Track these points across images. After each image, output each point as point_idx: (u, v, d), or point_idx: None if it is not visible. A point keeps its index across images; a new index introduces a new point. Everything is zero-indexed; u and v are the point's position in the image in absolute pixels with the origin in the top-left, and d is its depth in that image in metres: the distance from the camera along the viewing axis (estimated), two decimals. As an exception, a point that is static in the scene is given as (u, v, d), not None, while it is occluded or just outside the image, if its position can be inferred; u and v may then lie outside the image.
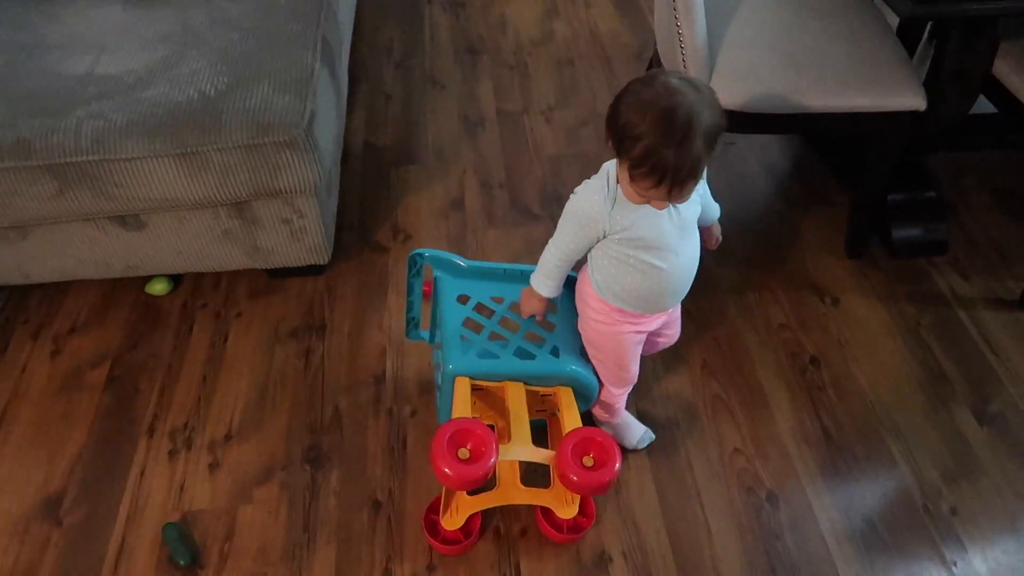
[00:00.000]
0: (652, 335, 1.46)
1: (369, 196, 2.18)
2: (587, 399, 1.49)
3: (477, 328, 1.46)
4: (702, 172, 1.15)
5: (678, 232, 1.27)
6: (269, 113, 1.58)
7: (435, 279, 1.53)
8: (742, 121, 1.72)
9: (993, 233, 2.06)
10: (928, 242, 2.00)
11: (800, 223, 2.10)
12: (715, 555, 1.44)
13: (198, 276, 1.95)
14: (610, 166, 1.24)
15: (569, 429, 1.36)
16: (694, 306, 1.87)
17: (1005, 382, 1.73)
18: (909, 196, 2.02)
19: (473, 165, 2.28)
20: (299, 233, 1.78)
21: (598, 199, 1.22)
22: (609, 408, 1.55)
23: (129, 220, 1.70)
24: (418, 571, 1.42)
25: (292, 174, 1.62)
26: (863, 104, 1.70)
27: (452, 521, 1.40)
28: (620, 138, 1.13)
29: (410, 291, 1.58)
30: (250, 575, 1.42)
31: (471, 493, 1.42)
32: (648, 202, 1.19)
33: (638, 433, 1.59)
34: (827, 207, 2.14)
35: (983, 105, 1.97)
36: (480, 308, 1.49)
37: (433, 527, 1.43)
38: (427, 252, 1.52)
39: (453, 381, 1.40)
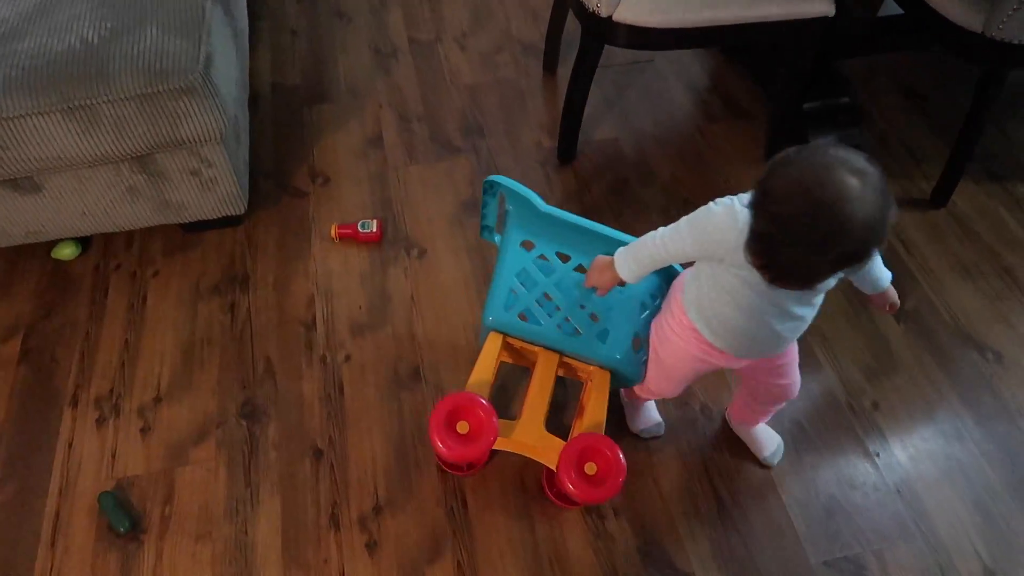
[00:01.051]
0: (766, 379, 1.33)
1: (283, 139, 2.09)
2: (627, 383, 1.42)
3: (531, 283, 1.34)
4: (816, 283, 1.01)
5: (797, 296, 1.11)
6: (161, 59, 1.48)
7: (506, 213, 1.38)
8: (657, 38, 1.69)
9: (904, 134, 2.11)
10: (844, 148, 2.04)
11: (721, 138, 2.11)
12: (655, 470, 1.48)
13: (108, 237, 1.86)
14: None
15: (589, 422, 1.30)
16: (623, 229, 1.87)
17: (919, 279, 1.80)
18: (824, 103, 2.04)
19: (388, 99, 2.20)
20: (210, 184, 1.70)
21: (732, 228, 1.03)
22: (632, 394, 1.48)
23: (22, 183, 1.59)
24: (365, 513, 1.43)
25: (193, 122, 1.53)
26: (774, 13, 1.69)
27: None
28: (756, 201, 0.96)
29: (484, 204, 1.45)
30: (194, 535, 1.40)
31: None
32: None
33: (648, 422, 1.52)
34: (746, 121, 2.15)
35: (891, 7, 1.99)
36: (542, 260, 1.36)
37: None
38: (504, 181, 1.34)
39: (487, 331, 1.35)
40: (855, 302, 1.75)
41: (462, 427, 1.26)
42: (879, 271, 1.23)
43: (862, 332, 1.70)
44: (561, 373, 1.43)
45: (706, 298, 1.16)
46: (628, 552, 1.38)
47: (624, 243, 1.23)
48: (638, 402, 1.50)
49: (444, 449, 1.24)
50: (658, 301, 1.34)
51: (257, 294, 1.75)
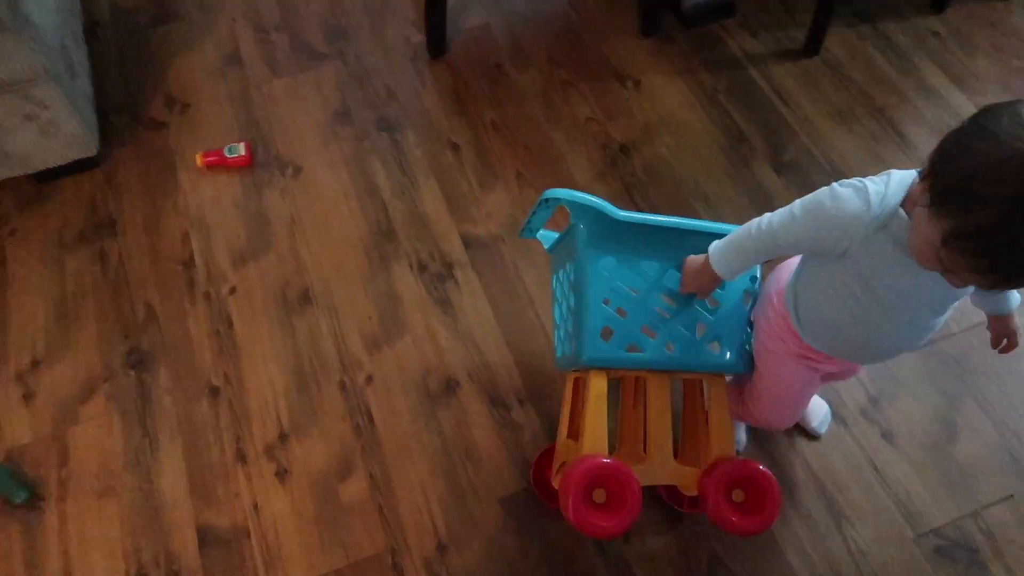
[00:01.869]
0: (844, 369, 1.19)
1: (131, 68, 1.93)
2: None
3: (621, 304, 1.14)
4: None
5: (926, 301, 0.96)
6: (-45, -8, 1.32)
7: (570, 231, 1.16)
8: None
9: (776, -15, 2.08)
10: (715, 6, 2.00)
11: (594, 12, 2.04)
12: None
13: (-48, 199, 1.72)
14: (900, 180, 0.90)
15: (720, 442, 1.17)
16: (501, 119, 1.82)
17: (796, 128, 1.81)
18: (692, -39, 1.99)
19: (241, 10, 2.05)
20: (49, 127, 1.57)
21: (864, 212, 0.88)
22: (735, 413, 1.29)
23: None
24: (271, 443, 1.41)
25: (7, 62, 1.39)
26: None
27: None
28: (948, 187, 0.79)
29: (534, 212, 1.24)
30: (96, 493, 1.37)
31: None
32: (940, 271, 0.85)
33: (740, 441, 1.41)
34: (617, -12, 2.08)
35: None
36: (627, 275, 1.15)
37: (541, 480, 1.33)
38: (568, 196, 1.10)
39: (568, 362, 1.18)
40: (735, 159, 1.76)
41: (599, 496, 1.07)
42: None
43: (744, 188, 1.72)
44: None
45: (813, 299, 1.02)
46: (535, 436, 1.41)
47: (715, 235, 1.08)
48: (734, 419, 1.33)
49: (587, 524, 1.05)
50: (756, 284, 1.20)
51: (127, 238, 1.66)
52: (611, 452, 1.23)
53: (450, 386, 1.46)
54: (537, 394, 1.45)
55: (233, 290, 1.58)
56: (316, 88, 1.89)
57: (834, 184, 0.91)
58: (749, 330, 1.20)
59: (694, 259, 1.11)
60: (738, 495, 1.12)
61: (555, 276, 1.28)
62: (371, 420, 1.43)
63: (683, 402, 1.28)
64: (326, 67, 1.93)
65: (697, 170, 1.75)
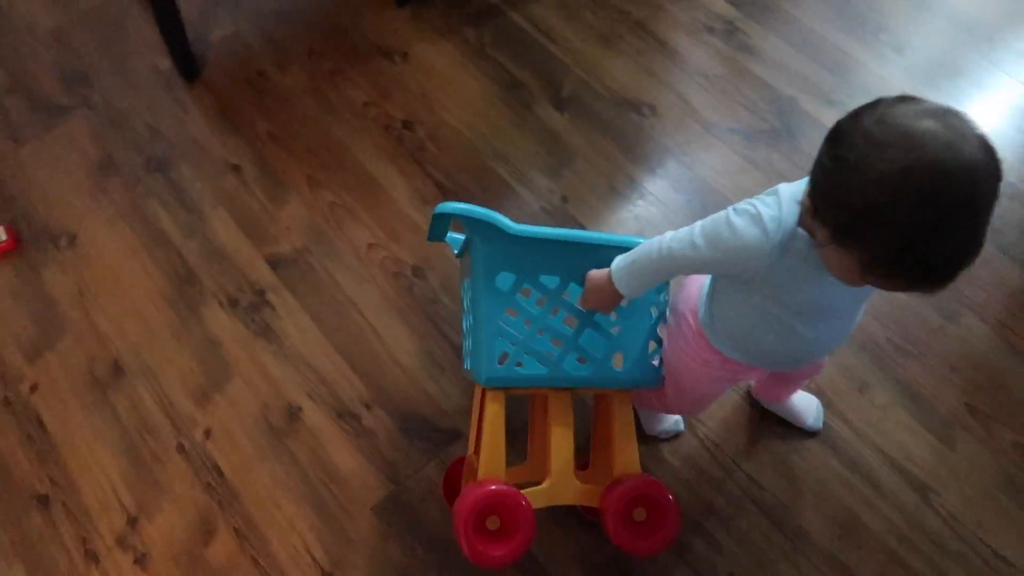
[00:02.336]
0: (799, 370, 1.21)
1: None
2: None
3: (520, 321, 1.11)
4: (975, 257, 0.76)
5: (846, 303, 0.96)
6: None
7: (469, 244, 1.12)
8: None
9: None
10: (460, -41, 1.98)
11: (342, -9, 1.98)
12: (392, 350, 1.47)
13: None
14: (790, 198, 0.86)
15: (623, 459, 1.15)
16: (276, 127, 1.75)
17: (569, 63, 1.84)
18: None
19: (-40, 82, 1.85)
20: None
21: (765, 244, 0.85)
22: (649, 404, 1.32)
23: None
24: (121, 533, 1.32)
25: None
26: None
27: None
28: (844, 228, 0.76)
29: (433, 226, 1.18)
30: (-61, 648, 1.24)
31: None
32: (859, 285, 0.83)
33: (666, 422, 1.38)
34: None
35: None
36: (527, 291, 1.11)
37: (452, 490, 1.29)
38: (456, 209, 1.06)
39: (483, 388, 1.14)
40: (516, 107, 1.77)
41: (492, 523, 1.06)
42: None
43: (532, 134, 1.73)
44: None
45: (733, 324, 1.00)
46: (390, 436, 1.39)
47: (619, 248, 1.04)
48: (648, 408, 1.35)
49: (482, 557, 1.04)
50: (664, 295, 1.17)
51: None
52: (521, 465, 1.24)
53: (292, 413, 1.41)
54: (383, 394, 1.43)
55: (35, 387, 1.45)
56: (69, 145, 1.75)
57: (730, 212, 0.88)
58: (656, 344, 1.18)
59: (596, 275, 1.06)
60: (639, 514, 1.11)
61: (462, 284, 1.24)
62: (221, 473, 1.36)
63: (594, 417, 1.26)
64: (74, 119, 1.78)
65: (483, 127, 1.74)
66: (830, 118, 1.72)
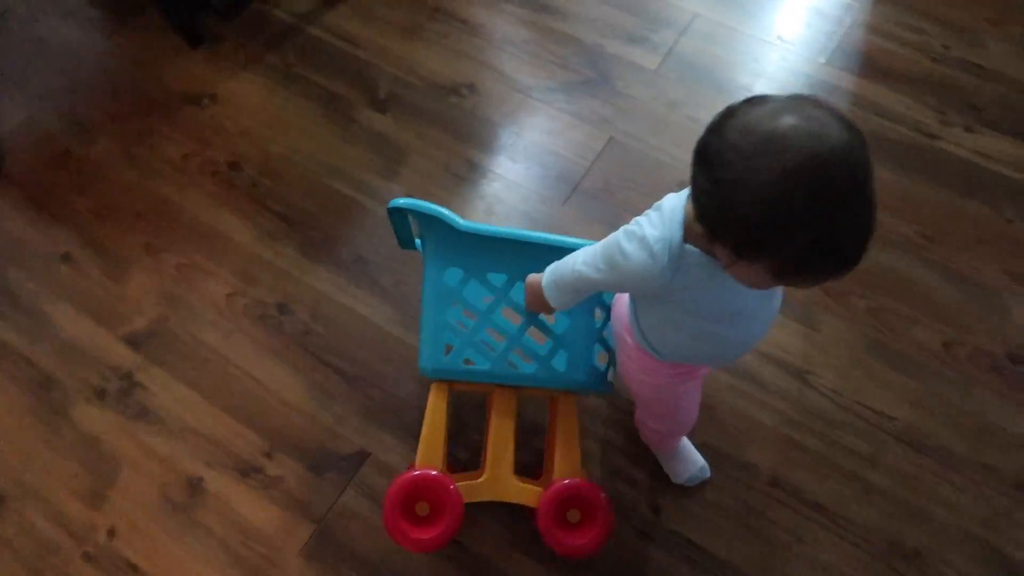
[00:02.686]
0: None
1: None
2: (598, 393, 1.29)
3: (466, 317, 1.15)
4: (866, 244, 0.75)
5: (758, 300, 0.94)
6: None
7: (420, 241, 1.14)
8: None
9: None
10: (243, -13, 1.93)
11: (133, 50, 1.89)
12: (277, 393, 1.45)
13: None
14: (673, 213, 0.86)
15: (564, 465, 1.16)
16: (98, 203, 1.67)
17: (379, 63, 1.83)
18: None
19: None
20: None
21: (652, 268, 0.86)
22: (653, 441, 1.31)
23: None
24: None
25: None
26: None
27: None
28: (745, 244, 0.75)
29: (392, 225, 1.21)
30: None
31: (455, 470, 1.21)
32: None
33: (690, 469, 1.31)
34: (143, 17, 1.94)
35: None
36: (474, 287, 1.15)
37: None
38: (407, 204, 1.09)
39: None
40: (339, 120, 1.75)
41: (421, 508, 1.11)
42: None
43: (360, 143, 1.72)
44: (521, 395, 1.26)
45: (657, 331, 1.00)
46: (299, 477, 1.37)
47: (567, 248, 1.04)
48: (667, 449, 1.32)
49: (409, 542, 1.09)
50: (609, 298, 1.17)
51: None
52: (477, 466, 1.24)
53: (194, 485, 1.37)
54: (280, 439, 1.40)
55: (-91, 542, 1.35)
56: None
57: (620, 236, 0.89)
58: (600, 347, 1.20)
59: (533, 280, 1.07)
60: (573, 515, 1.15)
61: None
62: (136, 569, 1.31)
63: (549, 418, 1.28)
64: None
65: (311, 148, 1.72)
66: (637, 55, 1.82)
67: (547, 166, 1.68)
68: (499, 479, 1.16)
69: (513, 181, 1.67)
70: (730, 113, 0.75)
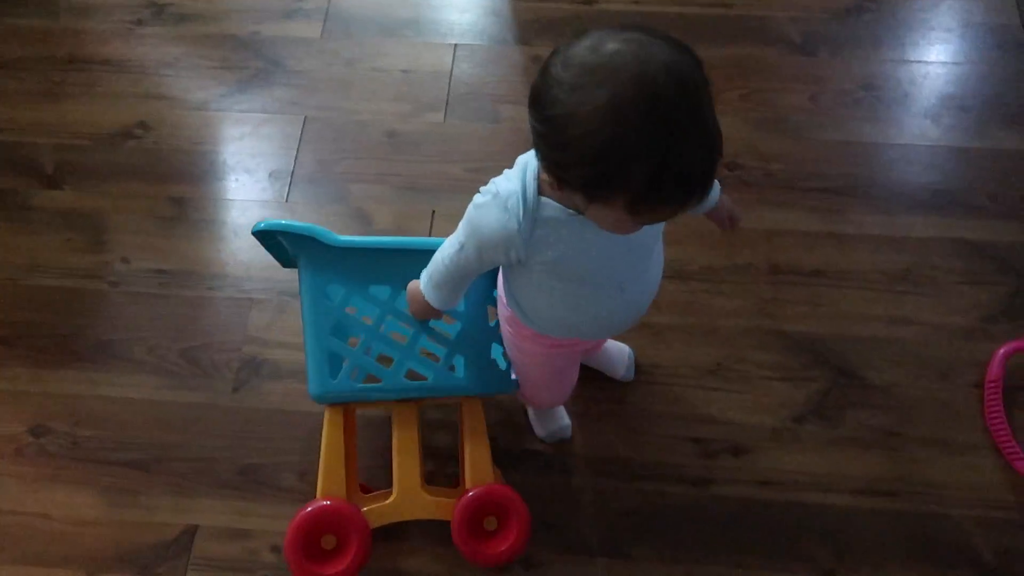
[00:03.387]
0: None
1: None
2: (503, 392, 1.24)
3: (352, 335, 1.10)
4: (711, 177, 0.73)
5: (629, 257, 0.90)
6: None
7: (297, 262, 1.10)
8: None
9: None
10: None
11: None
12: (71, 518, 1.31)
13: None
14: (529, 162, 0.83)
15: (474, 473, 1.13)
16: None
17: (31, 139, 1.65)
18: None
19: None
20: None
21: (508, 222, 0.82)
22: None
23: None
24: None
25: None
26: None
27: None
28: (590, 183, 0.72)
29: (280, 260, 1.20)
30: None
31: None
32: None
33: (552, 426, 1.32)
34: None
35: None
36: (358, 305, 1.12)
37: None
38: (274, 226, 1.05)
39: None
40: (18, 213, 1.57)
41: (328, 541, 1.06)
42: None
43: (48, 229, 1.56)
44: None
45: (531, 303, 0.96)
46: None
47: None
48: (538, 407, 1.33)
49: None
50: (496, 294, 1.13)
51: None
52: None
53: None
54: (95, 560, 1.27)
55: None
56: None
57: (476, 196, 0.86)
58: (500, 347, 1.15)
59: (413, 286, 1.05)
60: (491, 523, 1.12)
61: None
62: None
63: (459, 425, 1.23)
64: None
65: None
66: (296, 29, 1.76)
67: (254, 170, 1.61)
68: (408, 497, 1.12)
69: (227, 199, 1.58)
70: (555, 51, 0.72)
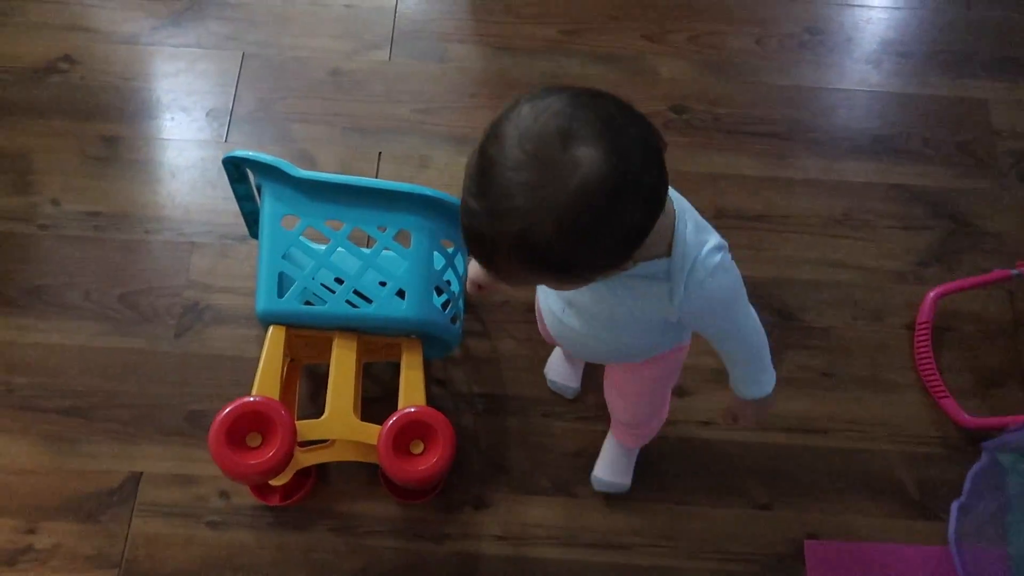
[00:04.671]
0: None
1: None
2: (447, 347, 1.27)
3: (303, 261, 1.14)
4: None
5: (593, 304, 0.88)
6: None
7: (258, 188, 1.17)
8: None
9: None
10: None
11: None
12: (8, 467, 1.28)
13: None
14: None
15: (407, 399, 1.15)
16: None
17: None
18: None
19: None
20: None
21: None
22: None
23: None
24: None
25: None
26: None
27: (280, 479, 1.22)
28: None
29: (238, 196, 1.24)
30: None
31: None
32: None
33: (612, 479, 1.27)
34: None
35: None
36: (312, 234, 1.14)
37: (262, 489, 1.25)
38: (243, 155, 1.12)
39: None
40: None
41: (253, 439, 1.06)
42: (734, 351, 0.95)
43: None
44: (371, 359, 1.29)
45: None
46: (77, 534, 1.24)
47: (398, 192, 1.12)
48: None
49: (234, 467, 1.04)
50: (453, 249, 1.19)
51: None
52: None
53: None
54: (35, 510, 1.25)
55: None
56: None
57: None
58: (446, 295, 1.21)
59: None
60: (417, 446, 1.12)
61: None
62: None
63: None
64: None
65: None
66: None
67: (191, 109, 1.55)
68: (338, 418, 1.13)
69: (164, 139, 1.52)
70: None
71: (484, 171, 0.63)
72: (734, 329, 0.90)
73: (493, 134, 0.64)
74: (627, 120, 0.65)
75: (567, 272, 0.68)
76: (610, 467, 1.27)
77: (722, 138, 1.57)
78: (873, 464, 1.32)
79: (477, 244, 0.66)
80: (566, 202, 0.61)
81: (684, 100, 1.59)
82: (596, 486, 1.28)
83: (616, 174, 0.61)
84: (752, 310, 0.90)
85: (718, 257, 0.79)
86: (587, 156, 0.60)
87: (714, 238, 0.81)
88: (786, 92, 1.61)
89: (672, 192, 0.79)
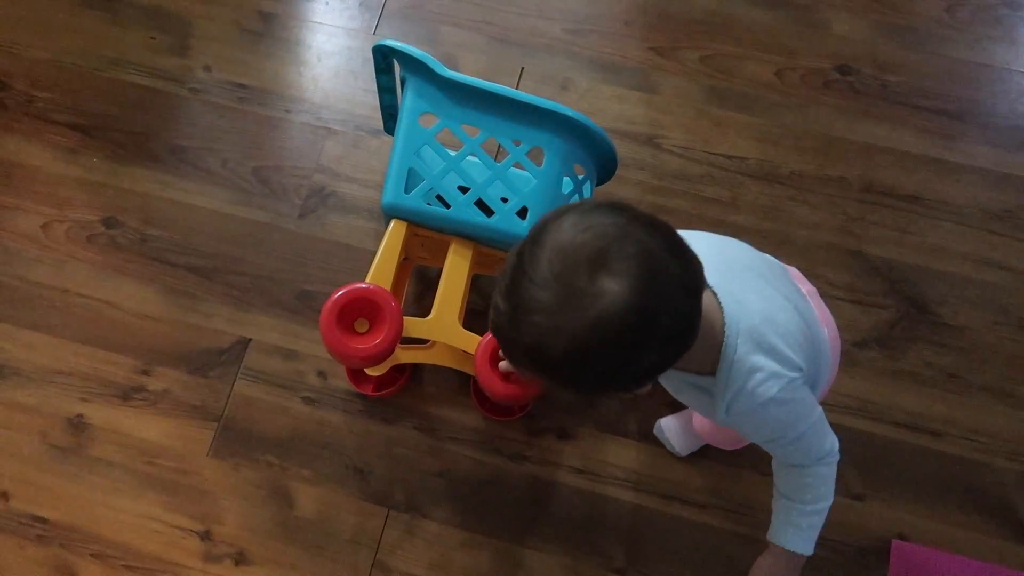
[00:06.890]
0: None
1: None
2: None
3: (434, 161, 1.15)
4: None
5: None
6: None
7: (402, 81, 1.16)
8: None
9: None
10: None
11: None
12: (134, 309, 1.36)
13: None
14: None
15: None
16: None
17: None
18: None
19: None
20: None
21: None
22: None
23: None
24: None
25: None
26: None
27: (377, 369, 1.26)
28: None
29: (380, 87, 1.25)
30: None
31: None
32: None
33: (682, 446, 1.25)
34: None
35: None
36: (445, 139, 1.13)
37: (357, 376, 1.29)
38: (394, 45, 1.11)
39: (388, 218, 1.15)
40: (103, 2, 1.54)
41: (361, 325, 1.08)
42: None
43: (133, 24, 1.53)
44: (481, 272, 1.27)
45: None
46: (185, 384, 1.32)
47: (542, 109, 1.08)
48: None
49: (341, 348, 1.05)
50: (583, 176, 1.17)
51: None
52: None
53: (76, 424, 1.30)
54: (152, 352, 1.33)
55: None
56: None
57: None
58: None
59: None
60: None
61: None
62: (44, 520, 1.26)
63: None
64: None
65: (79, 43, 1.52)
66: None
67: (346, -3, 1.55)
68: (443, 321, 1.14)
69: (316, 22, 1.54)
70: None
71: (515, 276, 0.64)
72: (785, 457, 0.84)
73: (533, 239, 0.64)
74: (671, 257, 0.63)
75: (575, 390, 0.69)
76: (678, 434, 1.23)
77: (885, 107, 1.45)
78: (984, 478, 1.24)
79: (498, 339, 0.69)
80: (581, 332, 0.61)
81: (853, 60, 1.48)
82: (655, 430, 1.26)
83: (636, 313, 0.60)
84: (827, 444, 0.83)
85: (774, 389, 0.74)
86: (611, 290, 0.60)
87: (773, 364, 0.74)
88: (969, 69, 1.47)
89: (736, 302, 0.75)
